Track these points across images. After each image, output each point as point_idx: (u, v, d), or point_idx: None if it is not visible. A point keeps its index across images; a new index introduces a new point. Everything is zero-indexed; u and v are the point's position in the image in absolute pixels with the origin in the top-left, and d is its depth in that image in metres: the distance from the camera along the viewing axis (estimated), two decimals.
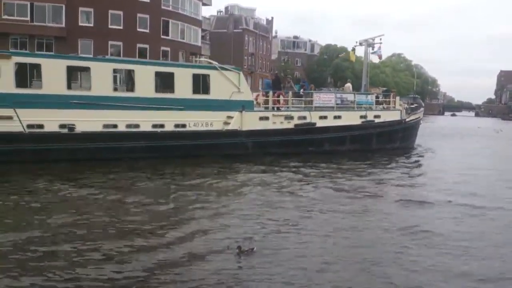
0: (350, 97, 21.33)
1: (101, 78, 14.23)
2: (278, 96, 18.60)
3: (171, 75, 15.68)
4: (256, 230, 7.78)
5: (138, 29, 42.84)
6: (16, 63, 13.07)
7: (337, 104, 20.54)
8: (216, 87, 16.53)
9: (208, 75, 16.44)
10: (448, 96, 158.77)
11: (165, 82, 15.56)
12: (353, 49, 27.02)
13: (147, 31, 43.60)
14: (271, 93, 18.31)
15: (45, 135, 13.18)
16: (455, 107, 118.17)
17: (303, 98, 19.59)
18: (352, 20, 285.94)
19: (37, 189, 10.14)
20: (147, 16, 43.65)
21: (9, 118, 12.58)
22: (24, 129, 12.82)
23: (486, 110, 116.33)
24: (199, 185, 11.39)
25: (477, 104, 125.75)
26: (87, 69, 14.22)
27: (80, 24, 40.32)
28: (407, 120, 23.97)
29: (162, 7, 44.83)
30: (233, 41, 59.60)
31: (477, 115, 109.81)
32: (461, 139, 33.34)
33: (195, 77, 16.14)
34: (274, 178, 12.88)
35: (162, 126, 15.31)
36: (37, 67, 13.42)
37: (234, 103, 16.90)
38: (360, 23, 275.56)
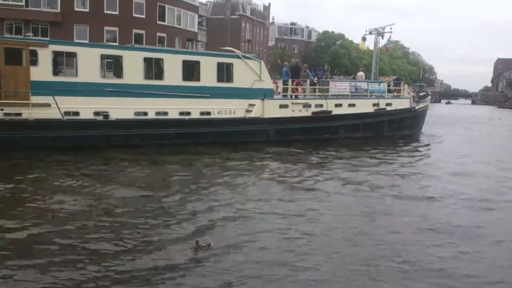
0: (364, 85, 22.35)
1: (132, 66, 15.00)
2: (297, 84, 19.50)
3: (197, 64, 16.50)
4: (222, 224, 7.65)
5: (134, 15, 43.11)
6: (53, 51, 13.74)
7: (351, 92, 21.55)
8: (239, 75, 17.40)
9: (232, 64, 17.29)
10: (445, 84, 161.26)
11: (191, 70, 16.37)
12: (364, 38, 27.88)
13: (143, 16, 43.87)
14: (290, 81, 19.20)
15: (83, 122, 13.93)
16: (452, 95, 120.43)
17: (319, 86, 20.53)
18: (349, 6, 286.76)
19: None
20: (143, 1, 43.91)
21: (48, 105, 13.27)
22: (62, 116, 13.54)
23: (482, 98, 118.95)
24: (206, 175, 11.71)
25: (474, 92, 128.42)
26: (119, 58, 14.95)
27: (75, 9, 40.48)
28: (416, 108, 25.11)
29: None
30: (230, 27, 60.03)
31: (473, 103, 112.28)
32: (460, 126, 34.68)
33: (220, 66, 16.97)
34: (287, 168, 13.00)
35: (188, 113, 16.16)
36: (72, 55, 14.12)
37: (256, 91, 17.78)
38: (357, 9, 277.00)
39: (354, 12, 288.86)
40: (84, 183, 9.93)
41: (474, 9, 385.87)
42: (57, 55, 13.85)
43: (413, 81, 67.58)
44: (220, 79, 16.99)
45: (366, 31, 27.55)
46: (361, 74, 24.06)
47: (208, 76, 16.64)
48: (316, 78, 21.73)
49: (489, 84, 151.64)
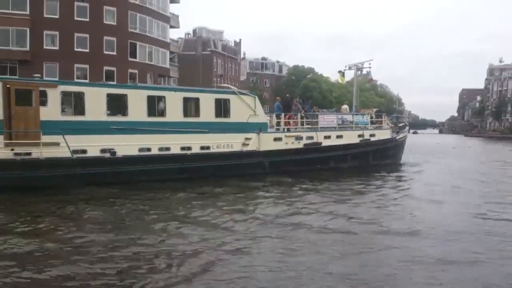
0: (349, 117, 24.08)
1: (137, 104, 15.95)
2: (289, 118, 20.92)
3: (196, 100, 17.64)
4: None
5: (105, 52, 44.06)
6: (62, 92, 14.53)
7: (338, 124, 23.17)
8: (235, 110, 18.65)
9: (229, 100, 18.54)
10: (413, 114, 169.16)
11: (191, 107, 17.48)
12: (342, 72, 29.95)
13: (114, 53, 44.88)
14: (283, 115, 20.60)
15: (92, 159, 14.60)
16: (420, 124, 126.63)
17: (309, 120, 22.04)
18: (318, 40, 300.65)
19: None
20: (114, 39, 44.97)
21: (58, 144, 13.92)
22: (72, 155, 14.19)
23: (449, 127, 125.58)
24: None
25: (441, 122, 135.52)
26: (124, 96, 15.88)
27: (45, 47, 41.10)
28: (397, 138, 27.02)
29: (129, 29, 46.31)
30: (202, 63, 61.93)
31: (441, 132, 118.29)
32: (431, 155, 36.94)
33: (217, 102, 18.19)
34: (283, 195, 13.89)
35: (189, 148, 17.11)
36: (80, 95, 14.94)
37: (251, 125, 19.02)
38: (325, 43, 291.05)
39: (322, 45, 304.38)
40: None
41: (436, 42, 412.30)
42: (65, 95, 14.66)
43: (388, 113, 70.95)
44: (218, 114, 18.16)
45: (346, 66, 29.76)
46: (345, 107, 25.85)
47: (207, 112, 17.77)
48: (304, 112, 23.25)
49: (455, 114, 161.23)
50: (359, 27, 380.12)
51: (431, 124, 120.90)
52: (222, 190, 14.93)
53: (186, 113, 17.26)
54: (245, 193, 14.56)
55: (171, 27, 54.40)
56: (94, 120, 14.94)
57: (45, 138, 13.78)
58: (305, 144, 20.91)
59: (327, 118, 22.96)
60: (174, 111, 16.87)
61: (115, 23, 44.33)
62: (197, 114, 17.61)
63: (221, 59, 64.98)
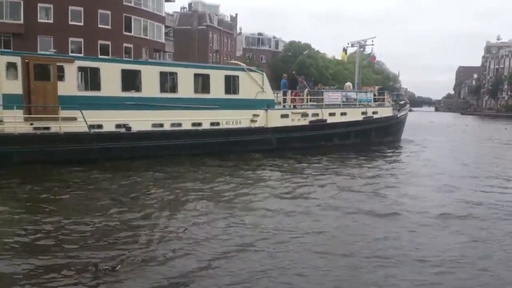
0: (353, 95, 24.74)
1: (150, 80, 16.45)
2: (295, 95, 21.53)
3: (207, 77, 18.16)
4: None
5: (99, 25, 44.03)
6: (78, 67, 14.98)
7: (342, 101, 23.83)
8: (244, 87, 19.21)
9: (238, 76, 19.07)
10: (409, 91, 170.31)
11: (202, 83, 18.00)
12: (345, 50, 30.42)
13: (109, 27, 44.85)
14: (289, 92, 21.20)
15: (108, 134, 15.18)
16: (416, 102, 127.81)
17: (315, 97, 22.67)
18: (313, 16, 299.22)
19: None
20: (109, 12, 44.86)
21: (75, 119, 14.45)
22: (89, 129, 14.75)
23: (445, 105, 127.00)
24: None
25: (437, 100, 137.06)
26: (138, 72, 16.35)
27: (39, 20, 41.02)
28: (398, 115, 27.80)
29: (124, 3, 46.20)
30: (198, 37, 61.75)
31: (436, 110, 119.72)
32: (428, 132, 37.92)
33: (227, 78, 18.73)
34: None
35: (200, 124, 17.71)
36: (96, 70, 15.40)
37: (259, 102, 19.62)
38: (321, 19, 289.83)
39: (318, 21, 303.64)
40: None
41: (434, 20, 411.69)
42: (81, 70, 15.12)
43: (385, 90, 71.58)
44: (227, 91, 18.73)
45: (348, 43, 30.20)
46: (349, 84, 26.45)
47: (217, 89, 18.33)
48: (308, 89, 23.85)
49: (452, 92, 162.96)
50: (354, 4, 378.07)
51: (427, 102, 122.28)
52: (233, 164, 15.60)
53: (196, 90, 17.80)
54: (258, 171, 15.18)
55: (167, 0, 54.26)
56: (109, 96, 15.44)
57: (63, 113, 14.27)
58: (310, 121, 21.58)
59: (332, 96, 23.60)
60: (185, 87, 17.40)
61: None
62: (207, 90, 18.16)
63: (217, 34, 64.86)
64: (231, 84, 18.85)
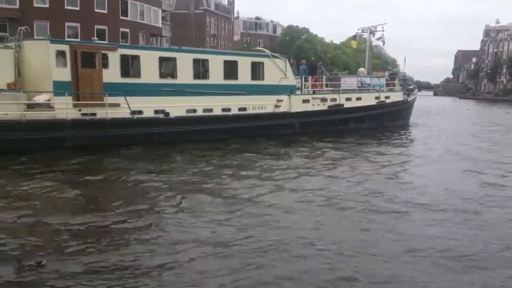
0: (368, 80, 26.35)
1: (184, 67, 17.84)
2: (315, 81, 23.08)
3: (235, 64, 19.57)
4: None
5: (96, 10, 44.80)
6: (121, 55, 16.30)
7: (357, 86, 25.44)
8: (269, 73, 20.68)
9: (263, 63, 20.53)
10: (407, 76, 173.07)
11: (231, 70, 19.41)
12: (355, 38, 31.94)
13: (105, 12, 45.61)
14: (310, 78, 22.73)
15: (150, 120, 16.57)
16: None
17: (333, 82, 24.24)
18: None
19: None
20: None
21: (118, 105, 15.81)
22: (132, 115, 16.12)
23: (444, 89, 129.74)
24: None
25: (436, 84, 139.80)
26: (173, 60, 17.70)
27: (35, 5, 41.73)
28: (408, 100, 29.55)
29: None
30: (195, 22, 62.67)
31: (435, 94, 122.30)
32: (432, 115, 39.85)
33: (253, 65, 20.19)
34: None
35: (229, 110, 19.17)
36: (136, 58, 16.72)
37: (282, 88, 21.13)
38: (318, 2, 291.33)
39: (315, 5, 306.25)
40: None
41: (433, 3, 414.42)
42: (124, 58, 16.42)
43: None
44: (253, 77, 20.20)
45: (359, 29, 31.71)
46: (362, 69, 28.07)
47: (244, 75, 19.78)
48: (328, 74, 25.42)
49: (450, 76, 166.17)
50: None
51: (426, 86, 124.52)
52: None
53: (226, 76, 19.21)
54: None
55: None
56: (149, 83, 16.80)
57: (108, 99, 15.62)
58: (329, 106, 23.16)
59: (348, 81, 25.18)
60: (216, 74, 18.82)
61: None
62: (235, 76, 19.58)
63: (214, 18, 65.87)
64: (257, 70, 20.31)
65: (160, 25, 54.42)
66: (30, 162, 12.87)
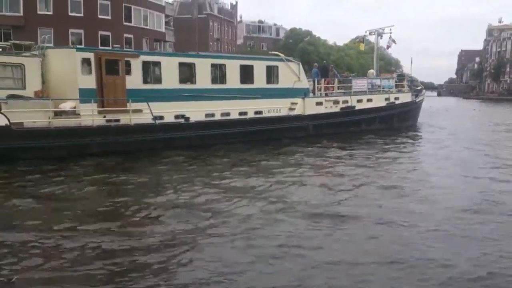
0: (377, 82, 27.04)
1: (203, 72, 18.52)
2: (328, 83, 23.77)
3: (251, 68, 20.27)
4: None
5: (99, 16, 45.71)
6: (143, 61, 16.97)
7: (368, 88, 26.11)
8: (283, 77, 21.39)
9: (277, 66, 21.23)
10: (411, 77, 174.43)
11: (247, 74, 20.10)
12: (363, 39, 32.67)
13: (109, 17, 46.57)
14: (323, 80, 23.41)
15: (171, 125, 17.21)
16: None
17: (344, 84, 24.93)
18: (314, 1, 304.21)
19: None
20: (108, 2, 46.55)
21: (141, 111, 16.45)
22: (155, 121, 16.77)
23: (448, 89, 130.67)
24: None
25: (439, 84, 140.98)
26: (193, 65, 18.38)
27: (38, 12, 42.63)
28: (417, 101, 30.24)
29: None
30: (198, 26, 63.48)
31: (439, 94, 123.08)
32: (438, 116, 40.50)
33: (268, 69, 20.89)
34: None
35: (245, 113, 19.82)
36: (157, 64, 17.40)
37: (296, 91, 21.82)
38: (321, 4, 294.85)
39: (317, 7, 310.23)
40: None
41: (435, 3, 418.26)
42: (145, 64, 17.09)
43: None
44: (268, 81, 20.89)
45: (366, 31, 32.45)
46: (372, 71, 28.76)
47: (259, 79, 20.47)
48: (339, 77, 26.10)
49: (454, 76, 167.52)
50: None
51: (430, 87, 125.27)
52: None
53: (242, 80, 19.89)
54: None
55: None
56: (169, 88, 17.47)
57: (131, 105, 16.25)
58: (341, 108, 23.83)
59: (359, 83, 25.87)
60: (232, 78, 19.51)
61: None
62: (251, 80, 20.26)
63: (217, 22, 66.74)
64: (271, 74, 21.00)
65: (163, 30, 55.32)
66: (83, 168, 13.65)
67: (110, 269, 6.50)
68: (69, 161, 14.16)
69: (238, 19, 74.12)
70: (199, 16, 63.79)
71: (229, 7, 70.95)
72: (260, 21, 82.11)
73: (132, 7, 49.38)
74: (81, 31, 44.65)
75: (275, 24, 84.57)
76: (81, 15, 44.32)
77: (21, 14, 41.90)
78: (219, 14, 66.74)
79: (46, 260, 6.72)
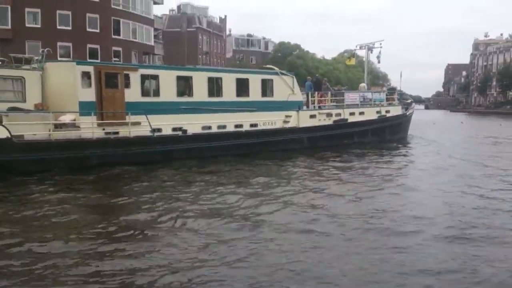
0: (369, 95, 27.75)
1: (200, 85, 19.00)
2: (321, 97, 24.38)
3: (246, 81, 20.80)
4: None
5: (88, 29, 46.09)
6: (141, 75, 17.37)
7: (360, 101, 26.79)
8: (278, 90, 21.97)
9: (272, 80, 21.81)
10: (398, 90, 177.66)
11: (242, 87, 20.62)
12: (353, 55, 33.57)
13: (97, 31, 46.93)
14: (316, 93, 24.01)
15: (169, 137, 17.57)
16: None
17: (337, 98, 25.58)
18: (302, 15, 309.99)
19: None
20: (97, 15, 46.98)
21: (139, 123, 16.80)
22: (153, 133, 17.12)
23: (435, 103, 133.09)
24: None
25: (427, 97, 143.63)
26: (190, 78, 18.84)
27: (27, 25, 42.91)
28: (407, 114, 31.04)
29: (112, 6, 48.43)
30: (187, 40, 64.25)
31: (426, 107, 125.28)
32: (427, 128, 41.39)
33: (263, 82, 21.45)
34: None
35: (241, 126, 20.28)
36: (156, 78, 17.82)
37: (291, 104, 22.38)
38: (309, 17, 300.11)
39: (307, 21, 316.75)
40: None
41: (422, 18, 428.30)
42: (144, 78, 17.51)
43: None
44: (263, 94, 21.45)
45: (357, 46, 33.33)
46: (363, 85, 29.48)
47: (255, 92, 21.01)
48: (332, 90, 26.73)
49: (441, 89, 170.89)
50: (342, 4, 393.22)
51: (417, 100, 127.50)
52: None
53: (238, 93, 20.39)
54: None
55: (155, 3, 56.53)
56: (167, 101, 17.88)
57: (130, 118, 16.60)
58: (334, 121, 24.43)
59: (351, 96, 26.55)
60: (228, 91, 20.01)
61: (98, 0, 45.78)
62: (247, 94, 20.79)
63: (206, 36, 67.53)
64: (266, 87, 21.56)
65: (152, 43, 55.83)
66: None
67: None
68: (69, 174, 14.41)
69: (227, 32, 75.20)
70: (188, 29, 64.55)
71: (218, 21, 71.94)
72: (249, 35, 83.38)
73: (121, 20, 49.83)
74: (69, 44, 44.85)
75: (264, 38, 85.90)
76: (70, 28, 44.69)
77: (9, 27, 42.09)
78: (208, 28, 67.61)
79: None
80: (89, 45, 46.00)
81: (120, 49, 49.42)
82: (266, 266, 7.23)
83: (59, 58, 38.45)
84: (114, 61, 18.24)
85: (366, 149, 23.43)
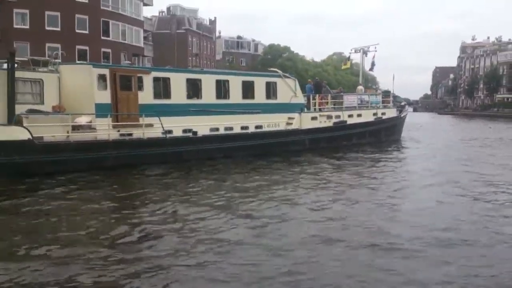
0: (366, 97, 29.05)
1: (208, 88, 19.97)
2: (321, 99, 25.56)
3: (252, 84, 21.82)
4: None
5: (77, 31, 46.67)
6: (154, 77, 18.27)
7: (358, 104, 28.06)
8: (281, 92, 23.05)
9: (276, 83, 22.88)
10: (392, 93, 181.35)
11: (248, 90, 21.65)
12: (349, 58, 34.88)
13: (87, 32, 47.55)
14: (317, 96, 25.18)
15: (181, 139, 18.47)
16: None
17: (337, 100, 26.79)
18: (292, 17, 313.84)
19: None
20: (86, 17, 47.60)
21: (152, 125, 17.67)
22: (165, 135, 18.00)
23: (423, 105, 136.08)
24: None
25: (415, 100, 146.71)
26: (199, 81, 19.79)
27: (15, 26, 43.30)
28: (401, 116, 32.46)
29: (102, 7, 49.01)
30: (177, 41, 64.98)
31: (415, 110, 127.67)
32: (418, 131, 42.90)
33: (267, 85, 22.52)
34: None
35: (247, 128, 21.28)
36: (167, 80, 18.73)
37: (293, 106, 23.49)
38: (299, 21, 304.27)
39: (297, 24, 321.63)
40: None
41: (410, 21, 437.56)
42: (156, 80, 18.40)
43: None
44: (268, 96, 22.51)
45: (352, 49, 34.64)
46: (360, 88, 30.76)
47: (260, 94, 22.07)
48: (332, 93, 27.91)
49: (429, 92, 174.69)
50: (332, 8, 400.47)
51: (406, 102, 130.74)
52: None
53: (244, 95, 21.41)
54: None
55: (145, 4, 57.19)
56: (178, 103, 18.80)
57: (144, 120, 17.46)
58: (334, 123, 25.61)
59: (350, 98, 27.79)
60: (235, 94, 21.02)
61: (87, 1, 46.74)
62: (252, 96, 21.82)
63: (196, 37, 68.38)
64: (270, 90, 22.63)
65: (142, 45, 56.47)
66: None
67: None
68: (86, 174, 15.21)
69: (217, 34, 76.21)
70: (178, 31, 65.28)
71: (208, 23, 72.93)
72: (239, 37, 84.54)
73: (110, 21, 50.37)
74: (58, 45, 45.09)
75: (253, 40, 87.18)
76: (59, 29, 45.15)
77: None
78: (198, 30, 68.49)
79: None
80: (78, 47, 46.46)
81: (109, 50, 49.97)
82: (270, 269, 7.42)
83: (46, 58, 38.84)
84: (125, 63, 18.93)
85: (365, 149, 24.66)
